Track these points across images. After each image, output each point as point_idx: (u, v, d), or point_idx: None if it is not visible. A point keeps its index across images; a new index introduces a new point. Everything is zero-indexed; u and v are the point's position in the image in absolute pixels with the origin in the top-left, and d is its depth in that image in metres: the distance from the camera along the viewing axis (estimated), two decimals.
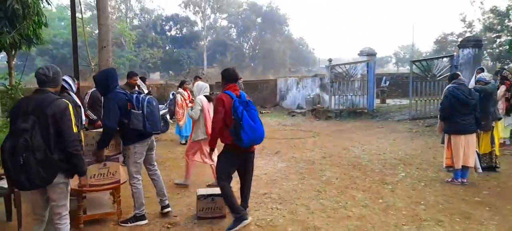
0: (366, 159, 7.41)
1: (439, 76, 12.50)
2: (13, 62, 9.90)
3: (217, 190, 4.58)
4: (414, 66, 13.27)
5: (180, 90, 9.10)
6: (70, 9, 9.52)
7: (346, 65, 14.75)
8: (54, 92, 3.07)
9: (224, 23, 49.98)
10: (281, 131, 11.43)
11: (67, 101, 3.05)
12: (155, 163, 4.65)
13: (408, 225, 4.19)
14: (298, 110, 15.90)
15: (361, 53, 14.50)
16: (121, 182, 4.36)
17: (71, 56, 9.26)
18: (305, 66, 51.95)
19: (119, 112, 4.00)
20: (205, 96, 5.75)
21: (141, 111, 4.09)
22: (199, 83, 6.12)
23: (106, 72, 4.44)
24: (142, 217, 4.37)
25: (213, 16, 49.56)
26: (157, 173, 4.61)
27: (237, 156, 4.19)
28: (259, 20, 49.02)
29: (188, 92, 9.19)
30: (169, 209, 4.60)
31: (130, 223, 4.31)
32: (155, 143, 4.62)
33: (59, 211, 3.11)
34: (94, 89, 6.09)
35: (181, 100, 8.88)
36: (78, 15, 10.23)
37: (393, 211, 4.65)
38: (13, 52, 9.44)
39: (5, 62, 10.24)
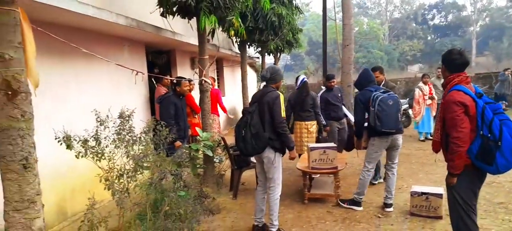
0: None
1: None
2: (278, 63, 12.13)
3: (432, 189, 4.43)
4: None
5: (421, 84, 8.70)
6: (322, 12, 10.86)
7: None
8: (275, 87, 3.89)
9: (502, 3, 42.25)
10: None
11: (279, 93, 3.80)
12: (396, 161, 4.74)
13: None
14: None
15: None
16: (338, 168, 4.88)
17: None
18: None
19: (363, 107, 4.47)
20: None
21: (374, 109, 4.26)
22: None
23: (361, 72, 4.90)
24: (358, 204, 4.74)
25: None
26: (393, 171, 4.72)
27: (477, 178, 2.99)
28: None
29: (430, 86, 8.69)
30: (390, 209, 4.62)
31: (347, 204, 4.78)
32: (400, 142, 4.67)
33: (269, 181, 3.93)
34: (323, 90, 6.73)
35: (419, 95, 8.49)
36: (335, 15, 11.48)
37: None
38: (278, 55, 11.59)
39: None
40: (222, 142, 5.54)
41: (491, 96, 13.96)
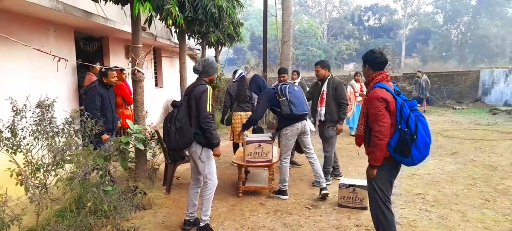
0: None
1: None
2: (220, 56, 12.04)
3: (358, 181, 4.66)
4: None
5: (352, 82, 9.16)
6: (263, 7, 10.94)
7: None
8: (208, 81, 3.76)
9: (429, 9, 45.56)
10: (471, 130, 9.96)
11: (207, 86, 3.64)
12: (311, 146, 5.04)
13: None
14: (504, 108, 13.27)
15: None
16: (273, 162, 4.96)
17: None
18: None
19: (267, 104, 4.95)
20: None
21: (285, 98, 4.67)
22: None
23: (255, 79, 5.31)
24: (284, 192, 4.94)
25: (416, 2, 45.89)
26: (313, 156, 5.00)
27: (394, 170, 3.17)
28: (473, 2, 42.56)
29: (362, 84, 9.16)
30: (325, 191, 4.83)
31: (275, 194, 4.98)
32: (308, 128, 5.00)
33: (203, 177, 3.82)
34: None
35: (350, 92, 8.93)
36: (276, 12, 11.63)
37: None
38: (219, 48, 11.49)
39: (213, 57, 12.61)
40: (156, 135, 5.36)
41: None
